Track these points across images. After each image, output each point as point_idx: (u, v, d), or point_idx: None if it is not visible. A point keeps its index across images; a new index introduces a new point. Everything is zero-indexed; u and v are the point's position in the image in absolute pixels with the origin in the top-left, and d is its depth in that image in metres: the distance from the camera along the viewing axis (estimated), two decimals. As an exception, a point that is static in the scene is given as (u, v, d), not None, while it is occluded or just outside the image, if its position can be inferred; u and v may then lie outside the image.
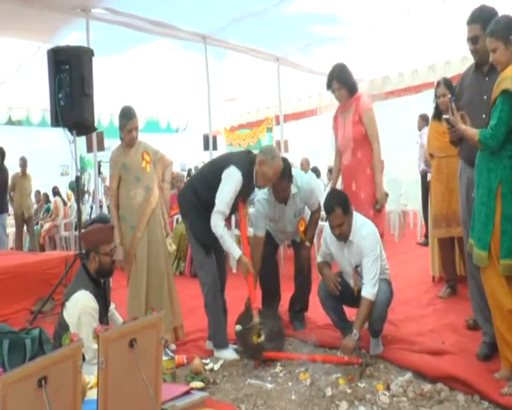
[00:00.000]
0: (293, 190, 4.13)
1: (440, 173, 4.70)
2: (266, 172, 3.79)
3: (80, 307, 3.26)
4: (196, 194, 3.91)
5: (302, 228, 4.30)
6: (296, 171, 4.40)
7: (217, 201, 3.73)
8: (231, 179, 3.74)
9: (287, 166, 4.02)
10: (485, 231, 2.94)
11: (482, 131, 2.91)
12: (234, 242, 3.90)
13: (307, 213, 4.37)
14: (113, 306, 3.76)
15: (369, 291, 3.49)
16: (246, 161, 3.83)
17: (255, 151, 4.01)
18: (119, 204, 4.15)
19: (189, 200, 3.97)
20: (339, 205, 3.56)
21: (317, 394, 3.12)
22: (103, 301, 3.47)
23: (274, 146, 4.00)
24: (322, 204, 4.37)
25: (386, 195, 4.37)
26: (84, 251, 3.65)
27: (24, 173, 9.68)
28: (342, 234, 3.61)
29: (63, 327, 3.25)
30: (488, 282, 3.00)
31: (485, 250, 2.94)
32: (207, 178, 3.92)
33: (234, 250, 3.79)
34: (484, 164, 2.97)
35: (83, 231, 3.84)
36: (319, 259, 3.95)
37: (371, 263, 3.53)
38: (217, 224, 3.72)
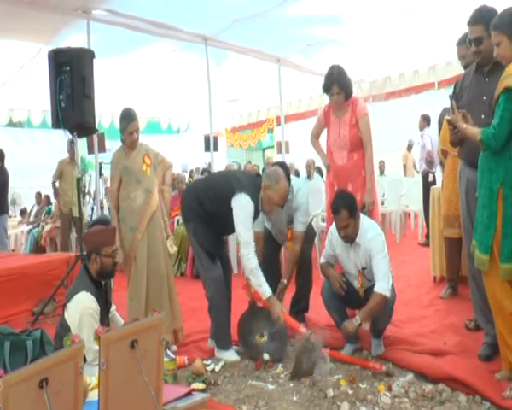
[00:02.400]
0: (289, 195, 4.14)
1: (454, 171, 4.28)
2: (271, 197, 3.77)
3: (81, 308, 3.26)
4: (201, 205, 3.87)
5: (290, 237, 4.29)
6: (296, 180, 4.37)
7: (239, 231, 3.70)
8: (245, 209, 3.69)
9: (285, 170, 4.02)
10: (487, 233, 2.89)
11: (484, 130, 2.85)
12: (265, 281, 3.71)
13: (310, 214, 4.37)
14: (114, 307, 3.76)
15: (382, 286, 3.45)
16: (254, 186, 3.80)
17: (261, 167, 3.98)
18: (119, 206, 4.15)
19: (192, 208, 3.93)
20: (345, 207, 3.54)
21: (318, 395, 3.12)
22: (104, 303, 3.47)
23: (278, 169, 3.94)
24: (321, 209, 4.35)
25: (373, 202, 4.35)
26: (85, 252, 3.65)
27: (73, 159, 7.38)
28: (347, 236, 3.60)
29: (64, 328, 3.25)
30: (490, 285, 2.97)
31: (487, 253, 2.90)
32: (215, 197, 3.85)
33: (264, 289, 3.69)
34: (485, 164, 2.92)
35: (84, 232, 3.83)
36: (322, 260, 3.92)
37: (382, 261, 3.52)
38: (250, 257, 3.66)
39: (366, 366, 3.46)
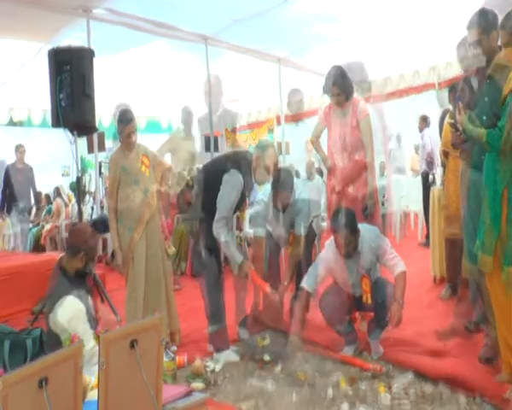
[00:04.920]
0: (290, 200, 4.15)
1: (456, 172, 4.26)
2: (262, 164, 3.83)
3: (66, 314, 3.07)
4: (198, 196, 3.91)
5: (292, 240, 4.30)
6: (298, 184, 4.38)
7: (218, 207, 3.74)
8: (232, 183, 3.74)
9: (289, 178, 4.08)
10: (491, 235, 2.87)
11: (490, 131, 2.82)
12: (236, 248, 3.89)
13: (311, 215, 4.37)
14: None
15: (400, 265, 3.67)
16: (245, 162, 3.85)
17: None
18: (117, 207, 4.13)
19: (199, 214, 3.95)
20: (347, 225, 3.53)
21: (318, 395, 3.11)
22: (86, 296, 3.32)
23: (266, 139, 4.09)
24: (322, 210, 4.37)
25: (374, 204, 4.35)
26: (72, 247, 3.43)
27: (189, 134, 6.16)
28: (349, 252, 3.60)
29: (54, 337, 3.09)
30: (493, 287, 2.95)
31: (490, 255, 2.88)
32: (207, 181, 3.90)
33: (237, 256, 3.81)
34: (491, 165, 2.89)
35: (75, 226, 3.72)
36: (306, 287, 3.78)
37: (391, 252, 3.67)
38: (219, 231, 3.73)
39: (366, 367, 3.45)
